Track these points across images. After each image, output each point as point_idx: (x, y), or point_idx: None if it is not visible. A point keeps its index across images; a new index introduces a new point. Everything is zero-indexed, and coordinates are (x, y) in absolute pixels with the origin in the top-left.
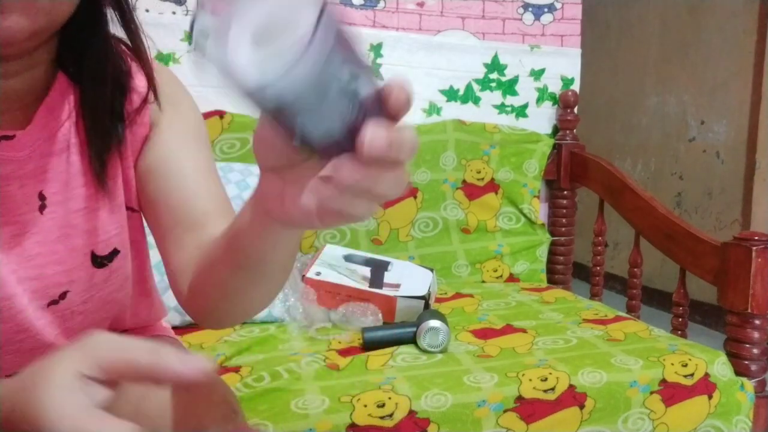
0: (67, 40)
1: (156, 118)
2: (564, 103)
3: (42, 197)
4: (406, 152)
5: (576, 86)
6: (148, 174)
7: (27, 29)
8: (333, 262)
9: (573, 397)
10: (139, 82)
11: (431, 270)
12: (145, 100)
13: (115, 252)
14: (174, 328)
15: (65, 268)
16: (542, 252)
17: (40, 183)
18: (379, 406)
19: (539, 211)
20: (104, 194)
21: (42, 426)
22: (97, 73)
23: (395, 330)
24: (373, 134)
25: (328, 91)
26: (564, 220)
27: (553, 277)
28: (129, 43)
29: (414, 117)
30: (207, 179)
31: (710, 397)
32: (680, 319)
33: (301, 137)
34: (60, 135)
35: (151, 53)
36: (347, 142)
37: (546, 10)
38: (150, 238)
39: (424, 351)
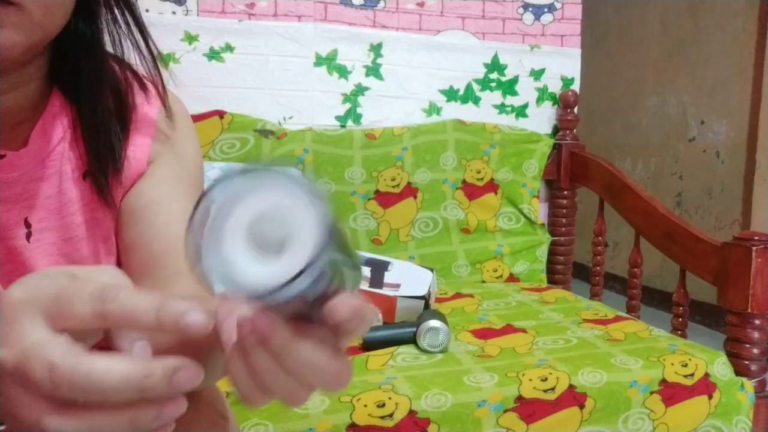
0: (61, 54)
1: (155, 154)
2: (564, 103)
3: (28, 224)
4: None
5: (576, 86)
6: (132, 215)
7: (21, 44)
8: None
9: (573, 397)
10: (147, 109)
11: (431, 270)
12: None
13: None
14: None
15: None
16: (542, 252)
17: (25, 209)
18: (379, 406)
19: (539, 211)
20: (98, 221)
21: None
22: (94, 91)
23: (395, 330)
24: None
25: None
26: (564, 220)
27: (553, 277)
28: (134, 68)
29: (414, 117)
30: None
31: (710, 397)
32: (680, 319)
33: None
34: (51, 159)
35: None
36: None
37: (546, 10)
38: None
39: (424, 351)
